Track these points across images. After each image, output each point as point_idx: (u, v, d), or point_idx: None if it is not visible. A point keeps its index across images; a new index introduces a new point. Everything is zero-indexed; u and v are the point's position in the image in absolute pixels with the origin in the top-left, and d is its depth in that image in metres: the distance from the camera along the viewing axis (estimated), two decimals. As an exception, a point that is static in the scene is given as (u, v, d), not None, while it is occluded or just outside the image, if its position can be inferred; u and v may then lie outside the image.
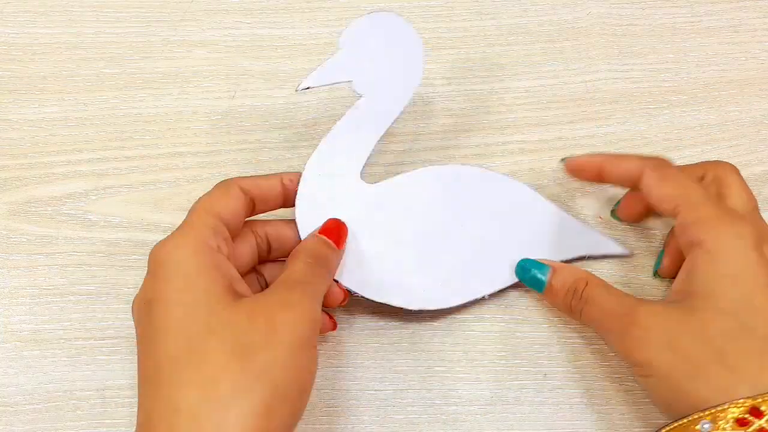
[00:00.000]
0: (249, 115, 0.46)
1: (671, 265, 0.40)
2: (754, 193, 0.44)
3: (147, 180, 0.44)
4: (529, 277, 0.39)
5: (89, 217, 0.43)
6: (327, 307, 0.38)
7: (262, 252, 0.38)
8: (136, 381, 0.40)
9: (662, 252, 0.41)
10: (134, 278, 0.42)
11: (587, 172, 0.40)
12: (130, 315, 0.41)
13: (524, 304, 0.41)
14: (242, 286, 0.34)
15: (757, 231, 0.34)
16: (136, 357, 0.40)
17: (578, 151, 0.45)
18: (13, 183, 0.44)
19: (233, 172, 0.44)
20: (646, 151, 0.45)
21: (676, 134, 0.46)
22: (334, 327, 0.39)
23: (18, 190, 0.44)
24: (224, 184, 0.36)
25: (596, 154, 0.40)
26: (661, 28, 0.49)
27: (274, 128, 0.45)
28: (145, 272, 0.42)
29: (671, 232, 0.41)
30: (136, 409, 0.39)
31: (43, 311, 0.41)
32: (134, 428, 0.39)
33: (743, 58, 0.48)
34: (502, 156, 0.45)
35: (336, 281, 0.38)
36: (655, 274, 0.41)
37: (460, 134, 0.45)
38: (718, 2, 0.49)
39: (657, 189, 0.36)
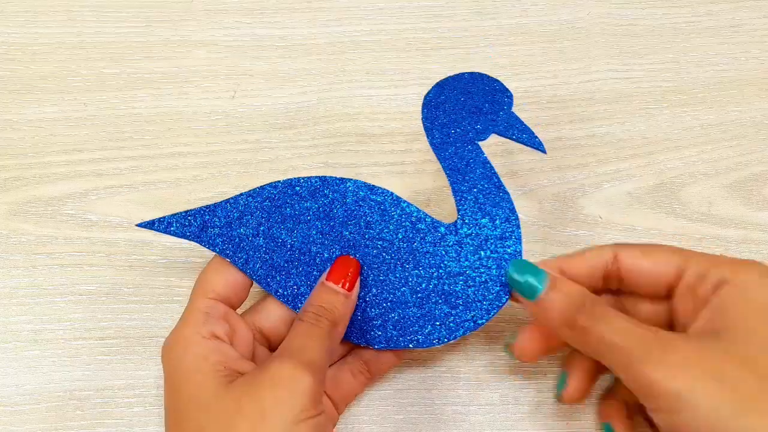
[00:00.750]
0: (249, 115, 0.46)
1: (580, 386, 0.36)
2: (754, 193, 0.44)
3: (147, 180, 0.44)
4: (522, 282, 0.34)
5: (89, 217, 0.43)
6: (378, 375, 0.38)
7: (264, 344, 0.37)
8: (135, 381, 0.40)
9: (564, 374, 0.36)
10: (134, 278, 0.42)
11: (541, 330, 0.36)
12: (129, 315, 0.41)
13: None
14: (244, 364, 0.33)
15: None
16: (136, 357, 0.41)
17: (578, 151, 0.45)
18: (13, 183, 0.44)
19: (233, 172, 0.44)
20: (646, 150, 0.45)
21: (676, 134, 0.46)
22: (367, 385, 0.38)
23: (18, 190, 0.44)
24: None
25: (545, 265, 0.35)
26: (661, 28, 0.49)
27: (274, 128, 0.45)
28: (143, 273, 0.43)
29: (572, 352, 0.36)
30: (135, 409, 0.39)
31: (43, 311, 0.41)
32: (134, 428, 0.39)
33: (743, 58, 0.48)
34: (502, 156, 0.45)
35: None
36: (558, 397, 0.36)
37: (460, 134, 0.45)
38: (718, 2, 0.49)
39: (648, 259, 0.33)
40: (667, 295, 0.34)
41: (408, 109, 0.46)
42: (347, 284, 0.35)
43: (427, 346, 0.36)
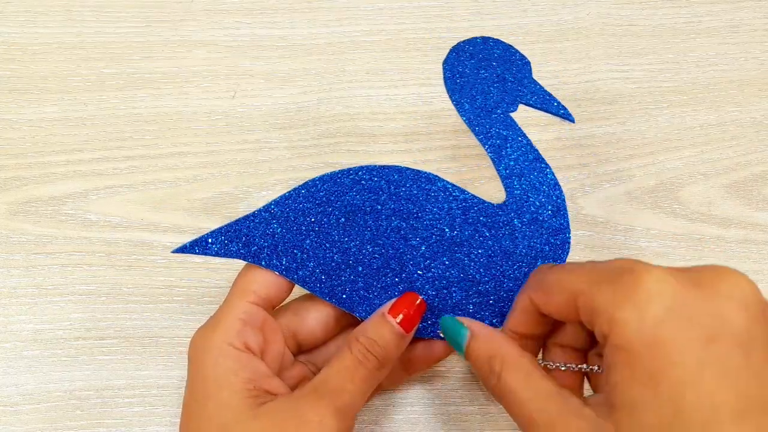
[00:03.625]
0: (249, 115, 0.46)
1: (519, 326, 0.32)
2: (754, 193, 0.44)
3: (147, 180, 0.44)
4: (449, 340, 0.33)
5: (89, 217, 0.43)
6: (411, 374, 0.37)
7: (294, 349, 0.35)
8: (135, 381, 0.40)
9: (463, 328, 0.32)
10: (134, 278, 0.42)
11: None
12: (129, 315, 0.41)
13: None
14: (273, 382, 0.32)
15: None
16: (135, 357, 0.41)
17: (578, 151, 0.45)
18: (13, 183, 0.44)
19: (233, 172, 0.44)
20: (646, 150, 0.45)
21: (676, 134, 0.46)
22: None
23: (18, 190, 0.44)
24: None
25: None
26: (661, 28, 0.49)
27: (274, 128, 0.45)
28: (143, 273, 0.43)
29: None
30: (135, 409, 0.39)
31: (43, 311, 0.41)
32: (134, 428, 0.39)
33: (743, 58, 0.48)
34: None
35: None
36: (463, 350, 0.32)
37: (460, 134, 0.45)
38: (718, 2, 0.49)
39: (546, 302, 0.30)
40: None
41: (408, 109, 0.46)
42: (407, 324, 0.33)
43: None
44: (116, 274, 0.42)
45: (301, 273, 0.34)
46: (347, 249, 0.34)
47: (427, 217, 0.35)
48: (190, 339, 0.33)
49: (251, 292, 0.33)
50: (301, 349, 0.36)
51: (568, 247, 0.35)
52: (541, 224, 0.35)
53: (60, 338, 0.40)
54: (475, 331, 0.31)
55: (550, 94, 0.35)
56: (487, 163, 0.45)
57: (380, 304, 0.34)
